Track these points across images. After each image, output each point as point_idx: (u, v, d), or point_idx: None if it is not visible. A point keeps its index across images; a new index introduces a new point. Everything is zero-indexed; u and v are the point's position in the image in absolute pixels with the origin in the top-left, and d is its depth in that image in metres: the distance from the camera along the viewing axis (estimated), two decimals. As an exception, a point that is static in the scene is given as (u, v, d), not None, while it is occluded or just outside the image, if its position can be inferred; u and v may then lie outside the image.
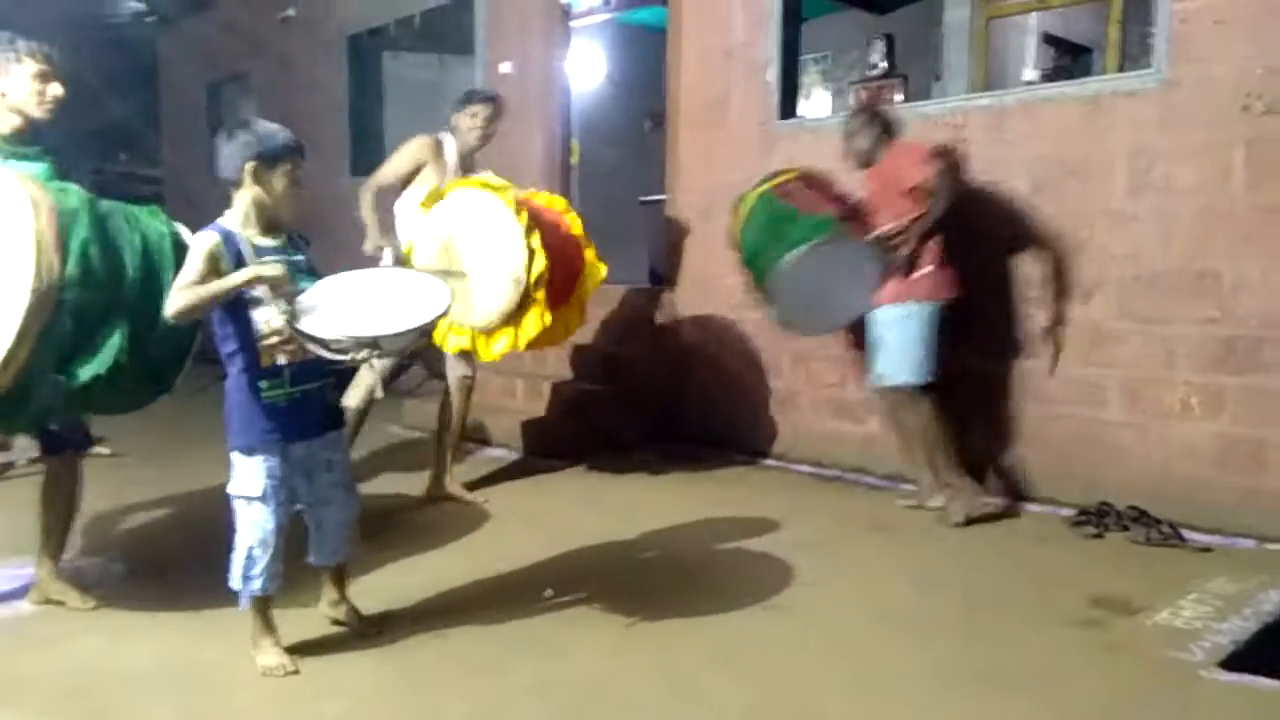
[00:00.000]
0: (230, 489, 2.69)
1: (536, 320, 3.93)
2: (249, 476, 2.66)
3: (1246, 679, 2.65)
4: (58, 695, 2.58)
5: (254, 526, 2.66)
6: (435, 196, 4.14)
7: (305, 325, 2.51)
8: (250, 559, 2.66)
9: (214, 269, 2.55)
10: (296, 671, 2.68)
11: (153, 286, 2.88)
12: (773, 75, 5.45)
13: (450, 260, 3.95)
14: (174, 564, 3.64)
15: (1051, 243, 4.39)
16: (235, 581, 2.68)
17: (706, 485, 4.87)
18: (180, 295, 2.51)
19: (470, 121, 4.50)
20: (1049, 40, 7.89)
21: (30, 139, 3.04)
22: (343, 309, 2.60)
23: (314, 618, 2.98)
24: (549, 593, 3.23)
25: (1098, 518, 4.01)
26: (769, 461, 5.34)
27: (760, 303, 4.31)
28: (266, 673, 2.66)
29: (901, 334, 4.12)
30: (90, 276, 2.76)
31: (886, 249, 4.07)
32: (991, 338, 4.55)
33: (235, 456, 2.68)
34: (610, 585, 3.37)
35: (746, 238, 4.35)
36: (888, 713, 2.51)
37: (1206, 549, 3.74)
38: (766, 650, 2.88)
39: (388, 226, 4.41)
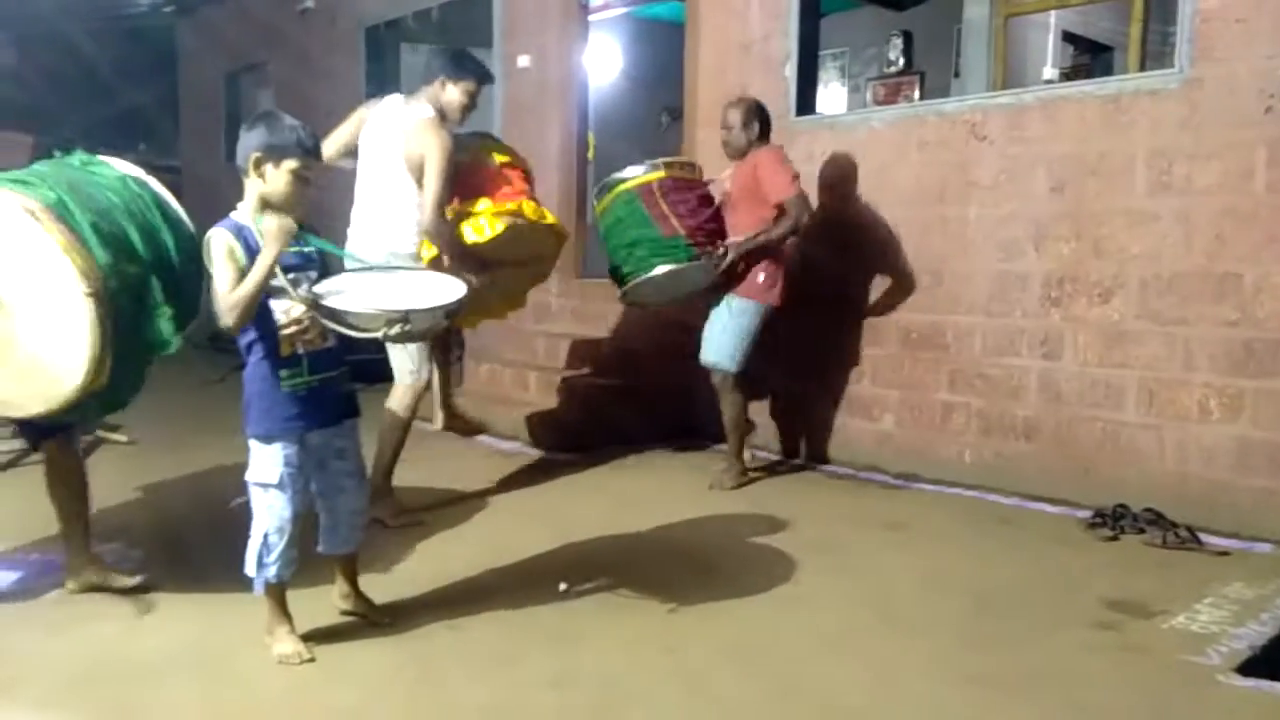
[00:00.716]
0: (248, 476, 2.71)
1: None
2: (267, 464, 2.68)
3: (1263, 684, 2.63)
4: (74, 680, 2.59)
5: (270, 513, 2.68)
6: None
7: (333, 302, 2.54)
8: (266, 546, 2.68)
9: (238, 265, 2.57)
10: (312, 659, 2.69)
11: (149, 225, 2.99)
12: (790, 70, 5.43)
13: None
14: (190, 551, 3.66)
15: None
16: (250, 568, 2.70)
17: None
18: (231, 304, 2.53)
19: (460, 98, 4.20)
20: (1068, 38, 7.84)
21: None
22: (367, 291, 2.65)
23: (328, 606, 3.00)
24: (563, 586, 3.24)
25: (1114, 519, 3.99)
26: (781, 458, 5.32)
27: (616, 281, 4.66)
28: (282, 660, 2.67)
29: (731, 325, 4.58)
30: (119, 252, 2.80)
31: (730, 259, 4.49)
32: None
33: (253, 444, 2.70)
34: (622, 579, 3.37)
35: (603, 223, 4.67)
36: (900, 711, 2.50)
37: (1224, 552, 3.72)
38: (779, 646, 2.87)
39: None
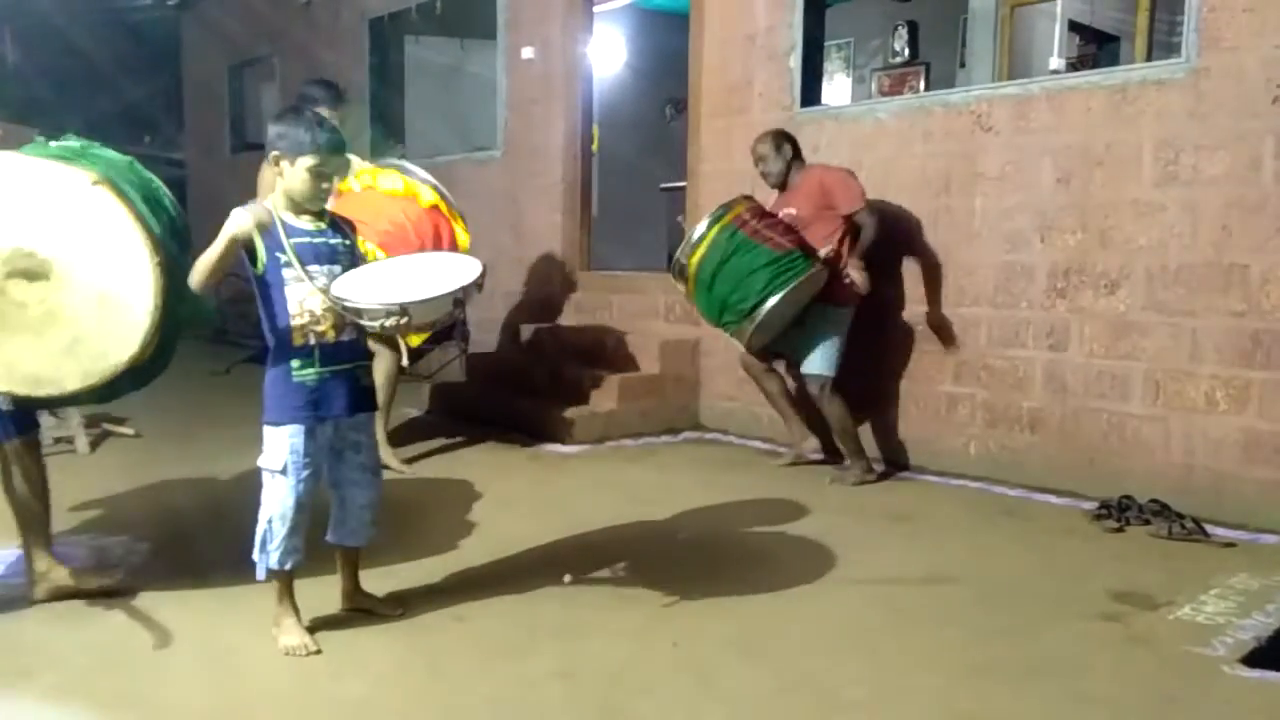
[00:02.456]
0: (259, 461, 2.75)
1: None
2: (274, 450, 2.71)
3: (1269, 675, 2.62)
4: (84, 670, 2.61)
5: (274, 499, 2.71)
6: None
7: (337, 297, 2.58)
8: (269, 531, 2.70)
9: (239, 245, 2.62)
10: (318, 651, 2.70)
11: (163, 205, 3.05)
12: (795, 62, 5.42)
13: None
14: (197, 543, 3.66)
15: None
16: (254, 553, 2.72)
17: (723, 473, 4.87)
18: (197, 266, 2.60)
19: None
20: (1075, 28, 7.79)
21: None
22: (379, 282, 2.68)
23: (336, 597, 3.01)
24: (568, 578, 3.24)
25: (1119, 511, 3.99)
26: (786, 451, 5.32)
27: (732, 331, 4.54)
28: (289, 652, 2.68)
29: (834, 332, 4.63)
30: (163, 227, 2.85)
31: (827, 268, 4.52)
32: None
33: (265, 429, 2.73)
34: (628, 571, 3.38)
35: (707, 271, 4.40)
36: (905, 702, 2.51)
37: (1230, 544, 3.71)
38: (785, 638, 2.88)
39: None
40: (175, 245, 2.96)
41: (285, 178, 2.71)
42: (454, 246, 4.60)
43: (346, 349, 2.76)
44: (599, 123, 7.55)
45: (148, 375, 3.04)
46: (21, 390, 2.71)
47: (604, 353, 6.02)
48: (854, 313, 4.67)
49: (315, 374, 2.70)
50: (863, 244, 4.56)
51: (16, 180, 2.70)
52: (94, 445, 5.19)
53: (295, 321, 2.67)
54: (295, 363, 2.69)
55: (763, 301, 4.29)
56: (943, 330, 4.80)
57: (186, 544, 3.67)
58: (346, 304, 2.59)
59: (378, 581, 3.11)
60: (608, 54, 8.92)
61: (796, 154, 4.81)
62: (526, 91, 7.13)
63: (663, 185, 7.61)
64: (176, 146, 12.40)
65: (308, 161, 2.67)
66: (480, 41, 8.24)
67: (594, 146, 7.30)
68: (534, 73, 7.05)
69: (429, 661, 2.71)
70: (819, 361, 4.64)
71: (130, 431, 5.43)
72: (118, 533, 3.73)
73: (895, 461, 4.97)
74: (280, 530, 2.70)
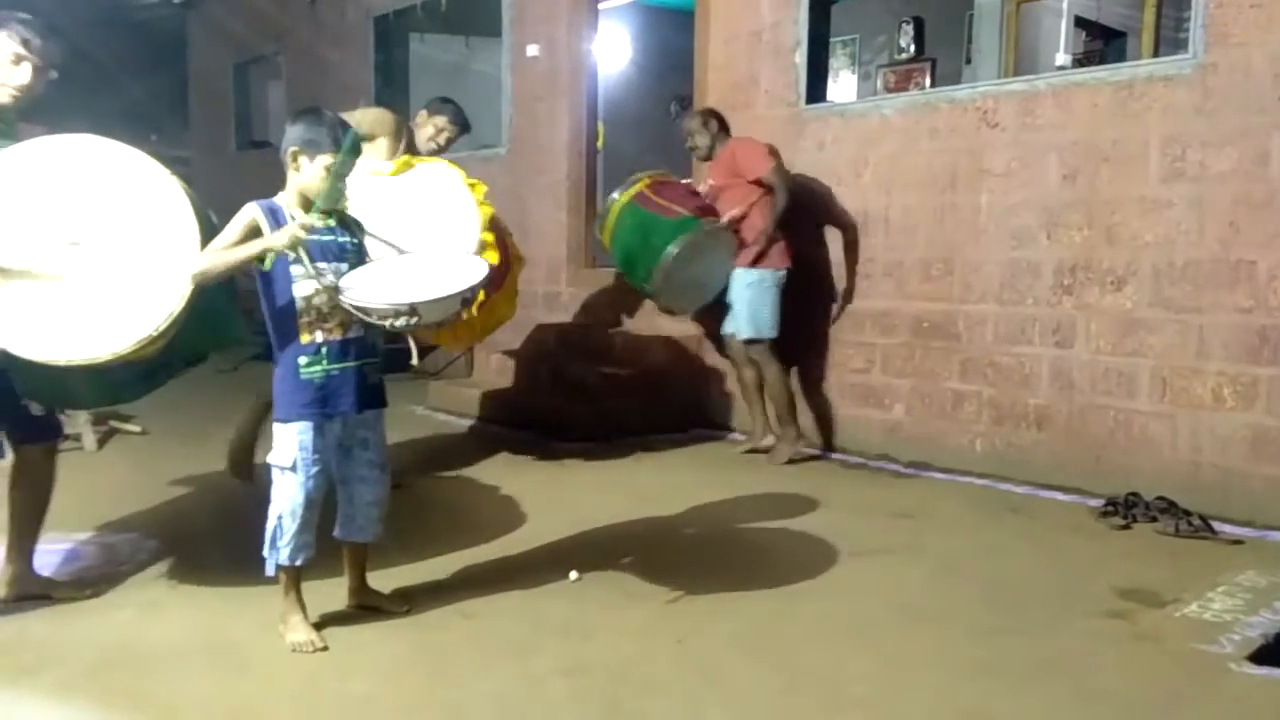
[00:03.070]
0: (268, 458, 2.76)
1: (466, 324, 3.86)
2: (283, 446, 2.72)
3: (1276, 673, 2.62)
4: (90, 667, 2.61)
5: (284, 496, 2.72)
6: (405, 165, 4.19)
7: (347, 296, 2.60)
8: (279, 527, 2.72)
9: (246, 237, 2.64)
10: (325, 648, 2.70)
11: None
12: (800, 58, 5.41)
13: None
14: (204, 541, 3.68)
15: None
16: (264, 549, 2.73)
17: (729, 470, 4.87)
18: (202, 257, 2.63)
19: (431, 133, 4.56)
20: (1081, 24, 7.78)
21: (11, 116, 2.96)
22: (387, 281, 2.70)
23: (342, 592, 3.01)
24: (574, 575, 3.24)
25: (1126, 508, 3.98)
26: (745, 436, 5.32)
27: (646, 295, 5.05)
28: (296, 649, 2.69)
29: (755, 296, 4.89)
30: (204, 233, 2.85)
31: (735, 230, 4.89)
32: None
33: (275, 426, 2.75)
34: (633, 569, 3.38)
35: (618, 244, 4.98)
36: (910, 700, 2.50)
37: (1237, 541, 3.70)
38: (790, 635, 2.88)
39: None
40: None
41: (301, 174, 2.72)
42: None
43: (354, 346, 2.76)
44: (604, 120, 7.54)
45: (159, 377, 3.04)
46: (38, 356, 2.69)
47: (608, 350, 6.02)
48: (785, 278, 4.94)
49: (323, 371, 2.71)
50: (774, 209, 4.84)
51: (93, 155, 2.79)
52: (101, 442, 5.20)
53: (303, 319, 2.68)
54: (303, 360, 2.69)
55: (661, 261, 4.67)
56: (947, 327, 4.80)
57: (193, 541, 3.68)
58: (356, 303, 2.59)
59: (384, 579, 3.12)
60: (613, 51, 8.92)
61: (723, 129, 5.11)
62: (532, 89, 7.13)
63: (668, 182, 7.60)
64: (182, 144, 12.41)
65: (326, 160, 2.69)
66: (485, 39, 8.24)
67: (599, 144, 7.30)
68: (539, 70, 7.05)
69: (435, 658, 2.72)
70: (742, 324, 4.93)
71: (137, 429, 5.45)
72: (125, 530, 3.74)
73: (893, 457, 4.97)
74: (290, 526, 2.71)
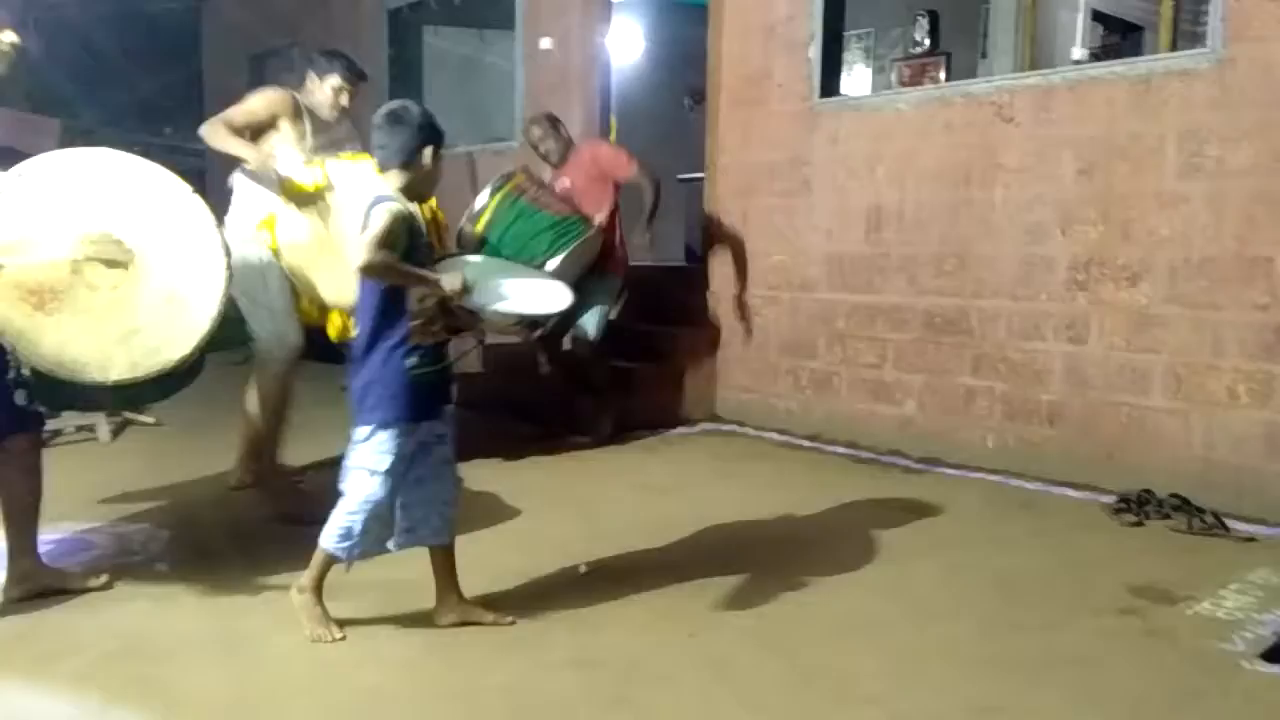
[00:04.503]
0: (353, 460, 2.71)
1: None
2: (379, 451, 2.67)
3: (1289, 671, 2.61)
4: (104, 658, 2.64)
5: (369, 499, 2.69)
6: (317, 188, 3.87)
7: (484, 302, 2.84)
8: (362, 525, 2.69)
9: (402, 234, 2.64)
10: (343, 638, 2.72)
11: None
12: (814, 52, 5.39)
13: (325, 240, 3.78)
14: (217, 532, 3.70)
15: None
16: (330, 541, 2.70)
17: (739, 464, 4.87)
18: (379, 254, 2.57)
19: (329, 97, 4.16)
20: (1098, 18, 7.71)
21: None
22: (501, 288, 2.96)
23: (350, 587, 3.02)
24: (584, 568, 3.25)
25: (1138, 505, 3.96)
26: (803, 442, 5.32)
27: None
28: (317, 640, 2.70)
29: (607, 300, 5.12)
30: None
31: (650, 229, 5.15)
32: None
33: (366, 430, 2.68)
34: (643, 563, 3.38)
35: (494, 236, 4.52)
36: (921, 695, 2.50)
37: (1250, 539, 3.68)
38: (800, 630, 2.88)
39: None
40: None
41: (421, 171, 2.74)
42: None
43: (445, 346, 2.80)
44: (617, 113, 7.52)
45: (175, 386, 3.08)
46: (63, 373, 2.72)
47: (619, 344, 6.01)
48: (622, 284, 5.23)
49: (427, 372, 2.70)
50: (646, 207, 5.07)
51: (125, 172, 2.85)
52: (115, 433, 5.24)
53: (415, 321, 2.68)
54: (411, 360, 2.67)
55: (546, 263, 4.46)
56: (960, 322, 4.78)
57: (206, 533, 3.70)
58: (487, 308, 2.78)
59: (393, 570, 3.12)
60: (626, 44, 8.90)
61: (567, 134, 5.35)
62: (544, 82, 7.12)
63: (681, 176, 7.57)
64: (196, 137, 12.45)
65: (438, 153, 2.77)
66: (498, 32, 8.23)
67: (612, 137, 7.29)
68: (552, 63, 7.04)
69: (445, 651, 2.73)
70: (591, 326, 5.05)
71: (151, 420, 5.48)
72: (138, 521, 3.76)
73: (905, 452, 4.95)
74: (373, 526, 2.70)
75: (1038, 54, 6.87)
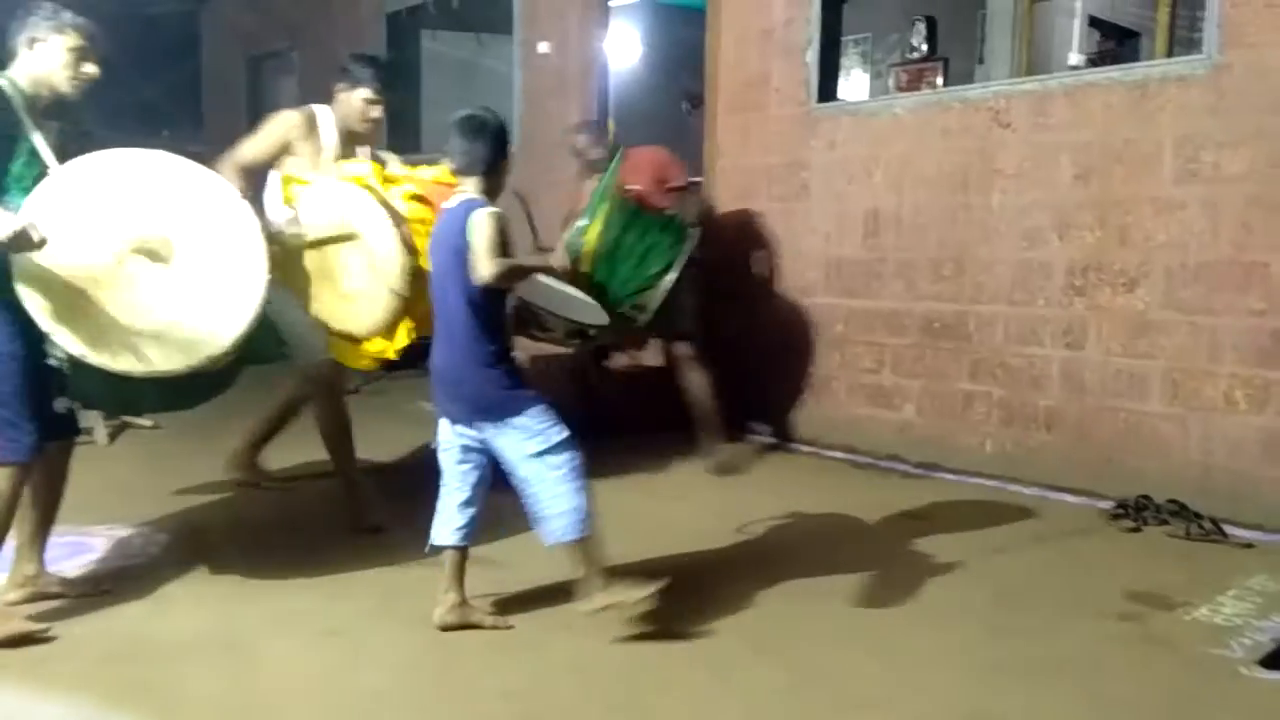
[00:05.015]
0: (543, 445, 2.76)
1: (405, 332, 3.51)
2: (549, 424, 2.80)
3: (1287, 677, 2.61)
4: (100, 660, 2.64)
5: (570, 464, 2.81)
6: (292, 183, 3.67)
7: (555, 307, 3.07)
8: (581, 489, 2.81)
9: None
10: (511, 627, 2.84)
11: None
12: (812, 57, 5.40)
13: (323, 261, 3.50)
14: (215, 535, 3.70)
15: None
16: (575, 525, 2.77)
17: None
18: (499, 262, 2.65)
19: (360, 110, 3.87)
20: (1095, 24, 7.74)
21: (56, 113, 3.03)
22: (559, 296, 3.20)
23: (354, 587, 3.02)
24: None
25: (1136, 511, 3.97)
26: (802, 447, 5.32)
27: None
28: (445, 627, 2.78)
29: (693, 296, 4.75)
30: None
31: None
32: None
33: (541, 410, 2.79)
34: (640, 567, 3.37)
35: (608, 240, 4.26)
36: (918, 700, 2.50)
37: (1248, 545, 3.69)
38: (800, 635, 2.88)
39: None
40: None
41: (499, 180, 2.83)
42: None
43: None
44: (614, 118, 7.53)
45: (204, 394, 3.08)
46: (95, 360, 2.72)
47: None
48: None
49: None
50: (696, 215, 4.88)
51: (174, 173, 2.88)
52: (113, 437, 5.22)
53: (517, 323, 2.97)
54: (511, 359, 2.84)
55: (673, 263, 4.32)
56: (958, 328, 4.79)
57: (204, 536, 3.69)
58: (555, 312, 3.15)
59: (394, 576, 3.12)
60: (624, 49, 8.91)
61: (614, 141, 5.08)
62: (542, 86, 7.12)
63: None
64: (195, 140, 12.45)
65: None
66: (496, 36, 8.24)
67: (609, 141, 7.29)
68: (550, 67, 7.05)
69: (446, 654, 2.73)
70: (689, 322, 4.77)
71: (148, 423, 5.47)
72: (137, 524, 3.76)
73: (902, 457, 4.96)
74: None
75: (1034, 60, 6.90)
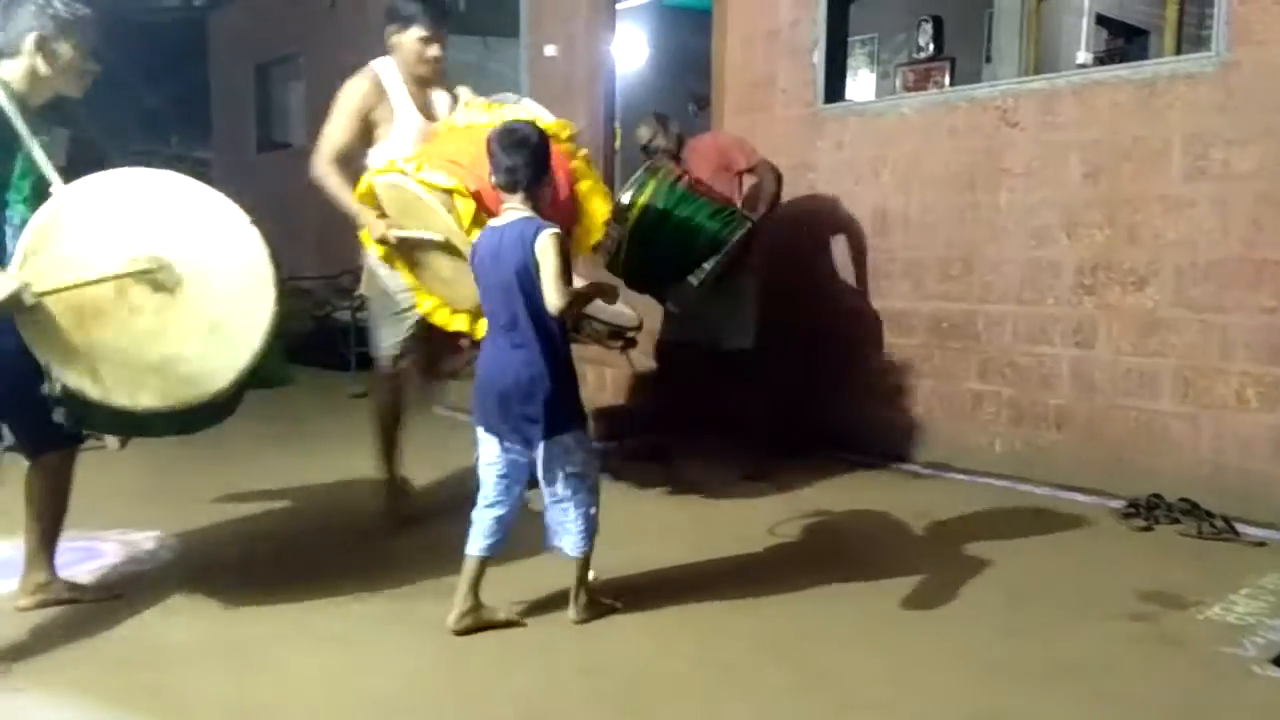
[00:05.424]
0: (583, 467, 2.83)
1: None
2: (591, 447, 2.88)
3: (1301, 676, 2.59)
4: (111, 666, 2.64)
5: (596, 490, 2.89)
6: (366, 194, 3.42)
7: (595, 311, 3.21)
8: (597, 513, 2.89)
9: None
10: (523, 624, 2.88)
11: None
12: (819, 58, 5.39)
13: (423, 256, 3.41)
14: (225, 539, 3.71)
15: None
16: (586, 544, 2.86)
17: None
18: (568, 290, 2.66)
19: (412, 48, 3.63)
20: (1103, 22, 7.71)
21: (53, 114, 2.92)
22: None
23: (365, 592, 3.02)
24: (592, 575, 3.24)
25: (1148, 509, 3.95)
26: (810, 448, 5.29)
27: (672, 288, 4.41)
28: (460, 632, 2.79)
29: (754, 303, 4.65)
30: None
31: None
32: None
33: (580, 435, 2.83)
34: (648, 570, 3.37)
35: (649, 221, 4.17)
36: (928, 701, 2.49)
37: (1261, 543, 3.67)
38: (808, 636, 2.87)
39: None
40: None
41: (541, 195, 2.80)
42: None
43: None
44: (621, 120, 7.54)
45: (204, 421, 2.91)
46: (92, 393, 2.60)
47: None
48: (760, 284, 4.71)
49: None
50: (766, 198, 4.62)
51: (179, 196, 2.75)
52: (124, 442, 5.23)
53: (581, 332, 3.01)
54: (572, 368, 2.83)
55: (715, 251, 4.18)
56: (966, 327, 4.77)
57: (215, 540, 3.70)
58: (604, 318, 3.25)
59: (394, 577, 3.12)
60: (630, 51, 8.93)
61: (676, 131, 4.86)
62: (549, 89, 7.12)
63: (686, 182, 7.60)
64: (202, 146, 12.51)
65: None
66: (503, 40, 8.26)
67: (616, 144, 7.30)
68: (557, 71, 7.06)
69: (454, 658, 2.73)
70: (748, 334, 4.64)
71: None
72: (147, 529, 3.77)
73: (912, 457, 4.94)
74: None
75: (1042, 58, 6.88)
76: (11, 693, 2.49)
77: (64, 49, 2.78)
